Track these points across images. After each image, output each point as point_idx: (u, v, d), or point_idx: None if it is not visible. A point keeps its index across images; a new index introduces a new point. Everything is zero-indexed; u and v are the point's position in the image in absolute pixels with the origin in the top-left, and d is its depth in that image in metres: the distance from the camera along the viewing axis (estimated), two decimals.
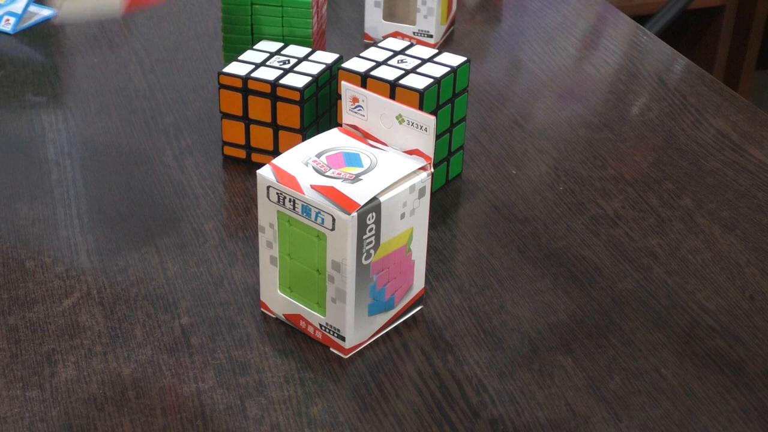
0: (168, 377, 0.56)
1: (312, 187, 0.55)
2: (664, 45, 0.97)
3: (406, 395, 0.56)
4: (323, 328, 0.58)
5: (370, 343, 0.59)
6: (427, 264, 0.62)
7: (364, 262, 0.56)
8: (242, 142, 0.74)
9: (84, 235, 0.67)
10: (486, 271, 0.65)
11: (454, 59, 0.71)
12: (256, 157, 0.75)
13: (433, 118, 0.56)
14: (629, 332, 0.60)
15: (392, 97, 0.68)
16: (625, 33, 1.01)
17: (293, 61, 0.74)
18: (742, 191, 0.74)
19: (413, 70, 0.70)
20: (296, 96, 0.71)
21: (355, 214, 0.54)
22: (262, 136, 0.74)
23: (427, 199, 0.58)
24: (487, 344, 0.59)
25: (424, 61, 0.71)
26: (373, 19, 0.91)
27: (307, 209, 0.55)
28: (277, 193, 0.56)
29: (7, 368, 0.57)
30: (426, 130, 0.57)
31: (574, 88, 0.90)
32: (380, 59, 0.71)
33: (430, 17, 0.90)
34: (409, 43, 0.73)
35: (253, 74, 0.72)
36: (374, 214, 0.55)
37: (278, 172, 0.57)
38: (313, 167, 0.57)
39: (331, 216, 0.54)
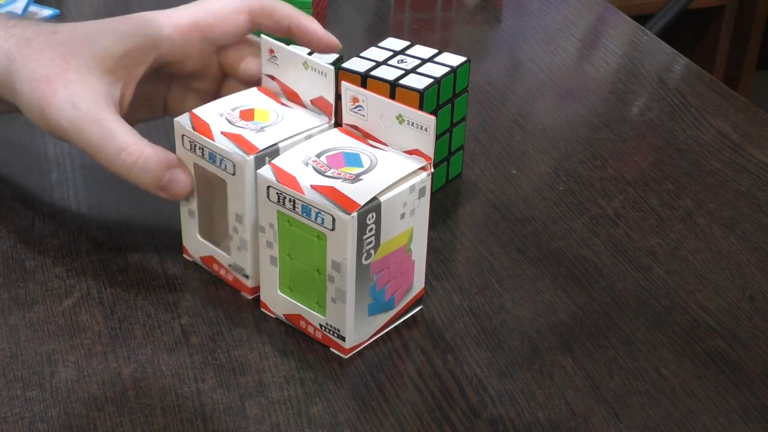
0: (168, 377, 0.56)
1: (312, 187, 0.55)
2: (664, 45, 0.97)
3: (406, 395, 0.56)
4: (323, 328, 0.58)
5: (370, 343, 0.59)
6: (427, 264, 0.62)
7: (364, 262, 0.56)
8: None
9: (84, 235, 0.67)
10: (486, 271, 0.65)
11: (454, 59, 0.71)
12: None
13: (433, 118, 0.56)
14: (629, 332, 0.60)
15: (392, 97, 0.68)
16: (625, 33, 1.01)
17: None
18: (742, 191, 0.74)
19: (413, 70, 0.70)
20: None
21: (355, 214, 0.54)
22: None
23: (427, 199, 0.58)
24: (487, 344, 0.59)
25: (424, 61, 0.71)
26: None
27: (307, 209, 0.55)
28: (277, 193, 0.56)
29: (7, 368, 0.57)
30: (426, 130, 0.57)
31: (574, 88, 0.90)
32: (380, 59, 0.71)
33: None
34: (408, 42, 0.73)
35: None
36: (374, 214, 0.55)
37: (278, 172, 0.57)
38: (313, 167, 0.57)
39: (331, 216, 0.54)
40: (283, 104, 0.63)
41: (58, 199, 0.71)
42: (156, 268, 0.64)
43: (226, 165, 0.58)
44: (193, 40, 0.64)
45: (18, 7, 0.94)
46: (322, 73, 0.60)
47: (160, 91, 0.68)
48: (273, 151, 0.58)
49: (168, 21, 0.64)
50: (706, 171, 0.77)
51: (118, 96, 0.63)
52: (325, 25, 0.86)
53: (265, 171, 0.57)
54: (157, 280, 0.63)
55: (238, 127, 0.60)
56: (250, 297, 0.61)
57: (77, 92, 0.60)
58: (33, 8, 0.97)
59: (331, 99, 0.61)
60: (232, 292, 0.63)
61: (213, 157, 0.59)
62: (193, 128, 0.60)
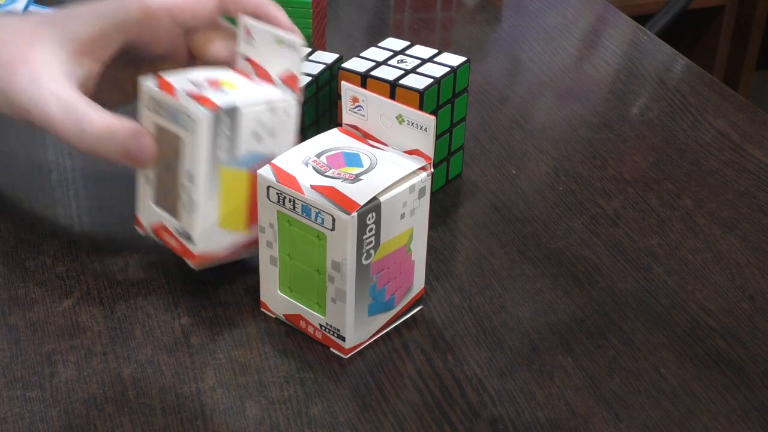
0: (168, 377, 0.56)
1: (312, 187, 0.55)
2: (664, 45, 0.97)
3: (406, 395, 0.56)
4: (323, 328, 0.58)
5: (370, 343, 0.59)
6: (427, 264, 0.62)
7: (364, 262, 0.56)
8: None
9: (84, 235, 0.67)
10: (486, 271, 0.65)
11: (454, 59, 0.71)
12: None
13: (433, 118, 0.56)
14: (629, 332, 0.60)
15: (392, 97, 0.68)
16: (625, 33, 1.01)
17: None
18: (742, 191, 0.74)
19: (413, 70, 0.70)
20: None
21: (355, 214, 0.54)
22: None
23: (427, 199, 0.58)
24: (487, 344, 0.59)
25: (424, 61, 0.71)
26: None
27: (307, 209, 0.55)
28: (277, 193, 0.56)
29: (7, 368, 0.57)
30: (426, 130, 0.57)
31: (574, 88, 0.90)
32: (380, 59, 0.71)
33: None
34: (408, 42, 0.73)
35: None
36: (374, 214, 0.55)
37: (278, 172, 0.57)
38: (313, 167, 0.57)
39: (331, 216, 0.54)
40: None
41: (58, 199, 0.71)
42: (156, 268, 0.64)
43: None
44: (163, 23, 0.64)
45: (18, 7, 0.94)
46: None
47: (130, 73, 0.68)
48: (231, 110, 0.57)
49: (138, 3, 0.64)
50: (706, 171, 0.77)
51: (83, 76, 0.62)
52: (324, 25, 0.86)
53: (265, 171, 0.57)
54: (157, 280, 0.63)
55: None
56: (197, 268, 0.60)
57: (38, 71, 0.61)
58: (33, 8, 0.97)
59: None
60: (233, 293, 0.63)
61: (175, 115, 0.58)
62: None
